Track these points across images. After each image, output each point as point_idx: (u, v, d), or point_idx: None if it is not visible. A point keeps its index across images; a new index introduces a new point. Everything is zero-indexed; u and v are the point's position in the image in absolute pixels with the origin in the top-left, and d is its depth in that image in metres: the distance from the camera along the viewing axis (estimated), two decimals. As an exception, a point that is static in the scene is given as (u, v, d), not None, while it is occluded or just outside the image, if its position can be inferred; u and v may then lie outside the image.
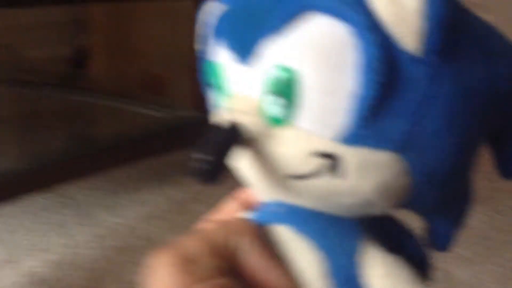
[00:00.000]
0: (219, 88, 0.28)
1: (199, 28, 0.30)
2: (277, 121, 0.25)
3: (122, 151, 1.34)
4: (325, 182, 0.25)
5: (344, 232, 0.27)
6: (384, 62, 0.22)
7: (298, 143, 0.25)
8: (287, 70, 0.24)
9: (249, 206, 0.30)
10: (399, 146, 0.24)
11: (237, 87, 0.27)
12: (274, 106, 0.25)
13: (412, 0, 0.23)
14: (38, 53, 1.76)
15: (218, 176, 0.24)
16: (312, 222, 0.27)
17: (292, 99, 0.24)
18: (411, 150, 0.24)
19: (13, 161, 1.20)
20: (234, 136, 0.25)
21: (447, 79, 0.24)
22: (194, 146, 0.25)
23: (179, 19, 1.55)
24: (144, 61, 1.78)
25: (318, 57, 0.24)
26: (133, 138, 1.40)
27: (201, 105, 1.31)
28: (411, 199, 0.26)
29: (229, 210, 0.30)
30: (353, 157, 0.24)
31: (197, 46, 0.30)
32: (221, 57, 0.28)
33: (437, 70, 0.23)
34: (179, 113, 1.55)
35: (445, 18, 0.22)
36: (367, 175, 0.24)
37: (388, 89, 0.23)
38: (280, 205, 0.27)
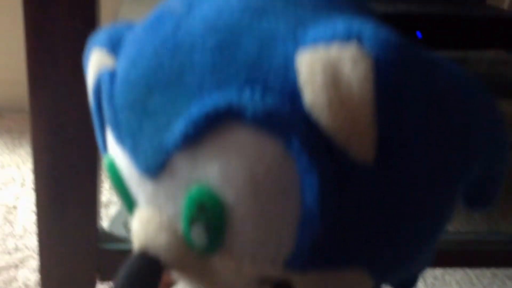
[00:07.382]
0: (123, 197, 0.22)
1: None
2: (204, 249, 0.20)
3: None
4: None
5: None
6: (330, 182, 0.17)
7: (239, 271, 0.20)
8: (207, 193, 0.19)
9: None
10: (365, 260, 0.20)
11: (146, 200, 0.21)
12: (196, 233, 0.19)
13: (361, 95, 0.17)
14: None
15: None
16: None
17: (218, 226, 0.19)
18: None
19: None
20: (147, 265, 0.20)
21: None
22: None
23: None
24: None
25: (247, 185, 0.18)
26: None
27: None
28: None
29: None
30: (309, 282, 0.20)
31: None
32: (120, 157, 0.21)
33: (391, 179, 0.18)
34: None
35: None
36: None
37: (339, 208, 0.18)
38: None
